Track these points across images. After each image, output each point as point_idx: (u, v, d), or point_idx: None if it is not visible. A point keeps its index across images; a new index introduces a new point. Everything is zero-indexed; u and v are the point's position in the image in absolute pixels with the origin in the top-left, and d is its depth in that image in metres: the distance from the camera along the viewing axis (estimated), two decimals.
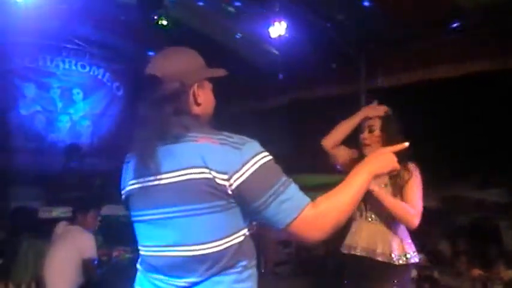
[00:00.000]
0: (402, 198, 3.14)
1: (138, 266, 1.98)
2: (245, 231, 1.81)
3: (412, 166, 3.21)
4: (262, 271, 6.21)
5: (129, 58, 8.27)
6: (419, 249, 7.08)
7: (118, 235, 5.75)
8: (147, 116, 1.87)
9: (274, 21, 5.51)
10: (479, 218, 8.66)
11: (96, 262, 4.76)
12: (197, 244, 1.75)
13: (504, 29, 4.65)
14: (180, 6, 6.33)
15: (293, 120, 7.98)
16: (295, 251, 7.06)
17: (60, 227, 5.06)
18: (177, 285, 1.80)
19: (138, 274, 1.97)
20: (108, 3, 6.42)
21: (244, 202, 1.73)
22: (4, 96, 7.65)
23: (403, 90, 5.82)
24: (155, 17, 5.90)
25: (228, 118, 7.89)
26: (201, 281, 1.77)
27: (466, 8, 4.83)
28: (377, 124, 3.28)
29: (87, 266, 4.71)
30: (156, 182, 1.78)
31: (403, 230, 3.24)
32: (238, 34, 6.32)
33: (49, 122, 8.20)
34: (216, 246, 1.74)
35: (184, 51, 2.01)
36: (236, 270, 1.78)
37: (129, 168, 1.94)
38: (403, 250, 3.18)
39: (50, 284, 4.74)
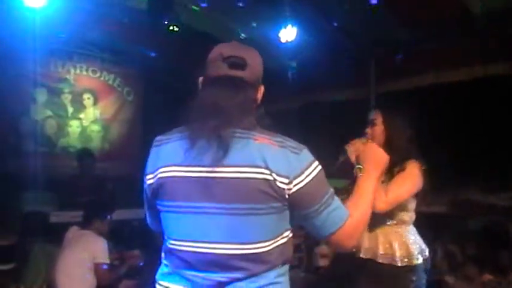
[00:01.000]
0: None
1: (164, 261, 1.92)
2: (289, 232, 1.85)
3: (411, 163, 3.12)
4: None
5: (140, 63, 8.31)
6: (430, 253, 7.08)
7: (130, 240, 5.77)
8: (221, 96, 1.78)
9: (285, 25, 5.52)
10: (490, 223, 8.62)
11: (107, 267, 4.76)
12: (249, 243, 1.73)
13: None
14: (190, 11, 6.35)
15: (304, 124, 7.99)
16: (306, 255, 7.02)
17: (72, 232, 5.07)
18: (217, 280, 1.77)
19: (165, 269, 1.91)
20: (119, 9, 6.46)
21: (298, 207, 1.76)
22: (16, 102, 7.69)
23: (414, 94, 5.80)
24: (166, 23, 5.93)
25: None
26: (246, 277, 1.76)
27: (474, 12, 4.83)
28: (379, 118, 3.24)
29: (99, 270, 4.71)
30: (212, 174, 1.71)
31: (408, 230, 3.18)
32: (248, 37, 6.31)
33: (60, 127, 8.24)
34: (266, 246, 1.75)
35: (253, 49, 1.94)
36: (278, 266, 1.81)
37: (164, 152, 1.84)
38: (407, 251, 3.11)
39: None
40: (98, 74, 8.49)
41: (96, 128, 8.59)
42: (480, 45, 4.97)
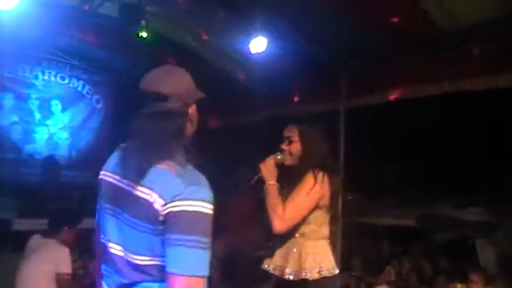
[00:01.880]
0: None
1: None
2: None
3: (311, 174, 3.09)
4: None
5: (109, 70, 8.23)
6: (398, 267, 7.13)
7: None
8: (147, 129, 1.97)
9: (255, 36, 5.50)
10: (457, 237, 8.73)
11: (70, 277, 4.67)
12: (133, 253, 1.92)
13: (485, 49, 4.70)
14: (161, 18, 6.32)
15: (273, 136, 7.97)
16: None
17: (35, 240, 4.96)
18: (121, 282, 1.99)
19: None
20: (90, 15, 6.39)
21: (166, 231, 1.83)
22: None
23: (385, 109, 5.83)
24: (136, 30, 5.87)
25: (208, 133, 7.93)
26: (132, 284, 1.95)
27: (446, 29, 4.89)
28: (295, 136, 3.26)
29: (61, 280, 4.62)
30: (127, 187, 1.93)
31: (307, 244, 3.12)
32: (219, 48, 6.30)
33: (26, 133, 8.11)
34: (147, 260, 1.90)
35: (183, 72, 2.10)
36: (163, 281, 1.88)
37: (110, 157, 2.13)
38: (318, 264, 3.08)
39: None
40: (66, 81, 8.38)
41: (63, 135, 8.47)
42: (449, 61, 5.01)
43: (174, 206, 1.81)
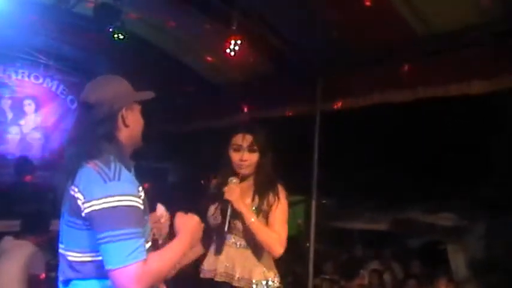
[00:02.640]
0: (267, 223, 3.09)
1: None
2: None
3: (280, 189, 3.14)
4: None
5: (85, 71, 8.16)
6: (371, 270, 7.18)
7: None
8: (78, 134, 2.21)
9: (231, 38, 5.50)
10: (429, 241, 8.82)
11: (43, 277, 4.63)
12: (67, 250, 2.11)
13: (458, 56, 4.77)
14: (138, 20, 6.29)
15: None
16: None
17: (6, 242, 4.91)
18: (61, 279, 2.17)
19: None
20: (65, 15, 6.33)
21: (93, 229, 1.98)
22: None
23: (359, 114, 5.88)
24: (111, 30, 5.84)
25: (189, 136, 7.90)
26: (66, 280, 2.13)
27: (421, 35, 4.95)
28: (253, 144, 3.14)
29: (34, 281, 4.58)
30: (68, 188, 2.10)
31: (265, 256, 3.11)
32: (194, 49, 6.28)
33: None
34: (79, 256, 2.08)
35: (113, 78, 2.30)
36: (94, 278, 2.09)
37: None
38: (264, 276, 3.08)
39: None
40: (40, 80, 8.29)
41: (36, 135, 8.37)
42: (423, 67, 5.07)
43: (94, 205, 1.96)
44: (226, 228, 2.98)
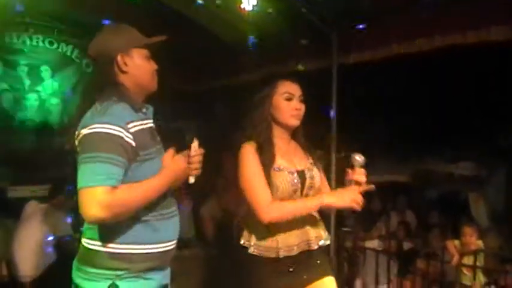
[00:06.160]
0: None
1: None
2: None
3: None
4: None
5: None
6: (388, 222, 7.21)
7: None
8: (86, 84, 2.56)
9: None
10: (448, 191, 8.83)
11: (69, 239, 4.73)
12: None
13: (476, 3, 4.66)
14: None
15: None
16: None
17: (31, 206, 5.01)
18: None
19: None
20: None
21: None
22: None
23: (377, 65, 5.81)
24: None
25: (199, 94, 7.89)
26: None
27: None
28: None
29: (60, 243, 4.68)
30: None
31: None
32: (201, 4, 6.16)
33: (17, 101, 8.04)
34: None
35: (111, 28, 2.48)
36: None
37: None
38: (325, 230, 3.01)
39: (19, 263, 4.69)
40: (55, 46, 8.28)
41: (54, 101, 8.41)
42: (438, 16, 4.98)
43: (80, 134, 2.13)
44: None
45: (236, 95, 6.02)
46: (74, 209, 5.23)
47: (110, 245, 2.16)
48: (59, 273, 4.63)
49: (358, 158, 2.75)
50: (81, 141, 2.11)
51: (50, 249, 4.69)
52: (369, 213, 7.30)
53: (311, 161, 2.98)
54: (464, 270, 5.27)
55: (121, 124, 2.12)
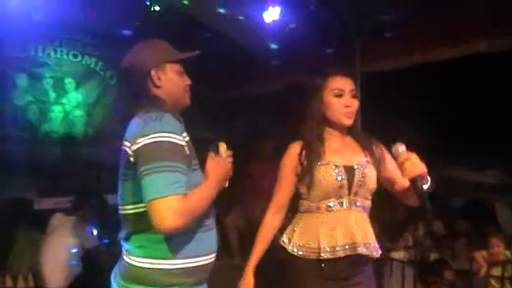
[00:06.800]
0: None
1: None
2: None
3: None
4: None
5: (122, 46, 8.16)
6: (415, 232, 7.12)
7: (116, 225, 5.73)
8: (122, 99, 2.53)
9: (268, 6, 5.46)
10: (474, 200, 8.71)
11: (94, 251, 4.75)
12: (121, 204, 2.22)
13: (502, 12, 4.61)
14: None
15: (288, 106, 7.93)
16: None
17: (57, 218, 5.04)
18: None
19: None
20: None
21: (136, 167, 2.05)
22: None
23: (400, 73, 5.77)
24: (148, 3, 5.84)
25: (225, 103, 7.90)
26: (125, 237, 2.23)
27: None
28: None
29: (88, 255, 4.70)
30: (121, 147, 2.18)
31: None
32: (232, 18, 6.21)
33: (42, 113, 8.12)
34: (130, 209, 2.17)
35: (146, 43, 2.40)
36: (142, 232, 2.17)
37: None
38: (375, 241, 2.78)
39: (47, 275, 4.72)
40: (79, 58, 8.36)
41: (79, 113, 8.48)
42: (464, 23, 4.93)
43: (137, 144, 2.05)
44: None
45: (262, 104, 6.02)
46: (99, 221, 5.28)
47: (164, 261, 2.14)
48: (85, 285, 4.68)
49: (400, 149, 2.61)
50: (140, 150, 2.04)
51: (77, 261, 4.70)
52: (394, 223, 7.22)
53: (368, 158, 2.79)
54: (493, 282, 5.19)
55: (178, 133, 2.12)
